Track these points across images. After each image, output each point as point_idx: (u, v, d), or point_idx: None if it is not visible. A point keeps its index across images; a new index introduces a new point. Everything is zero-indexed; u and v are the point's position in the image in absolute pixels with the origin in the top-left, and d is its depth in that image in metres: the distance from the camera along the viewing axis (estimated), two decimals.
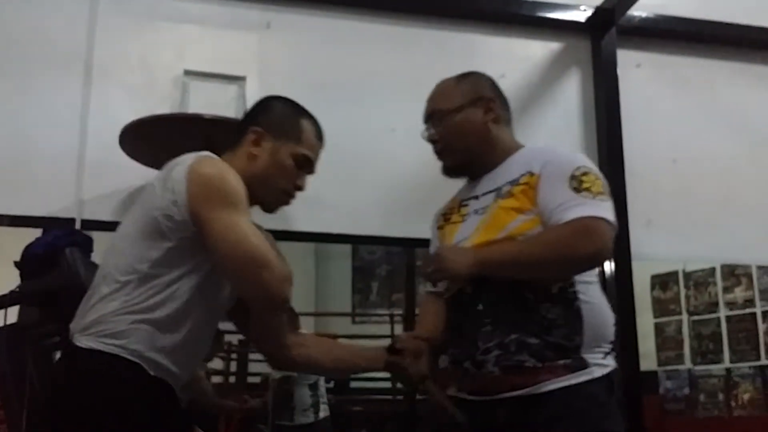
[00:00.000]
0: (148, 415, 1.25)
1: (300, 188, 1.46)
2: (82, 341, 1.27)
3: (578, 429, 1.31)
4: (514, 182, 1.43)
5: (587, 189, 1.35)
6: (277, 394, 3.69)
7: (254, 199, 1.39)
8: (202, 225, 1.26)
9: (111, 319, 1.25)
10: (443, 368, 1.54)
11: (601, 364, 1.36)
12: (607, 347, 1.40)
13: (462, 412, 1.43)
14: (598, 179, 1.39)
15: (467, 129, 1.51)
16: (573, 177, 1.36)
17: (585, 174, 1.38)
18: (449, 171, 1.57)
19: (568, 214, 1.33)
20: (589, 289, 1.40)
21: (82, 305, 1.33)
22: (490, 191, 1.48)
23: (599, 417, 1.33)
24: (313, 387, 3.68)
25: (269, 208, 1.46)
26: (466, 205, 1.53)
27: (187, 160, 1.32)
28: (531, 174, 1.41)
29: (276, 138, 1.41)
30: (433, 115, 1.56)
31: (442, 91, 1.59)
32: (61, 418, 1.25)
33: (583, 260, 1.35)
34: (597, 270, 1.44)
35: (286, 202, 1.47)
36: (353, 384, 4.47)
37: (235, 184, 1.30)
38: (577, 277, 1.38)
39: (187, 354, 1.33)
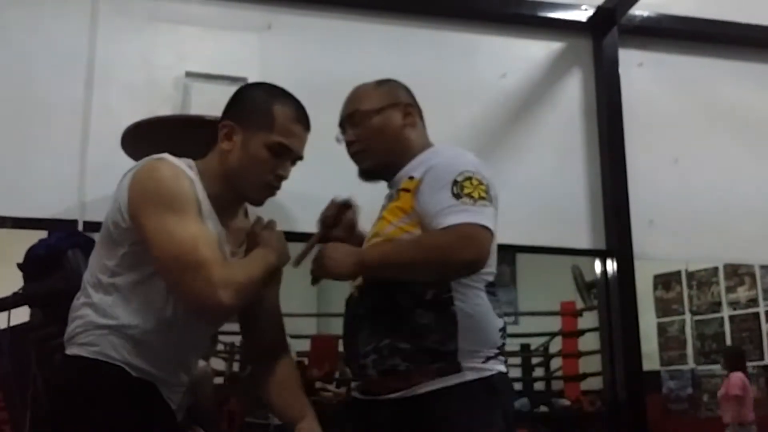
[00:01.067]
0: (131, 414, 1.26)
1: (282, 177, 1.39)
2: (70, 350, 1.31)
3: (454, 429, 1.32)
4: (399, 186, 1.46)
5: (468, 194, 1.34)
6: (248, 391, 3.63)
7: (238, 195, 1.38)
8: (139, 229, 1.25)
9: (86, 330, 1.28)
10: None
11: (477, 367, 1.36)
12: (490, 352, 1.39)
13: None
14: (480, 185, 1.37)
15: (386, 130, 1.52)
16: (455, 182, 1.36)
17: (468, 179, 1.36)
18: (366, 174, 1.57)
19: (447, 220, 1.32)
20: (468, 295, 1.39)
21: (70, 312, 1.35)
22: (389, 191, 1.53)
23: (471, 421, 1.33)
24: None
25: (254, 201, 1.42)
26: (384, 204, 1.55)
27: (136, 166, 1.31)
28: (411, 178, 1.43)
29: (246, 129, 1.34)
30: (352, 116, 1.55)
31: (361, 93, 1.59)
32: (54, 421, 1.30)
33: (459, 266, 1.33)
34: (486, 274, 1.42)
35: (271, 194, 1.41)
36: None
37: (171, 184, 1.25)
38: (454, 283, 1.38)
39: (168, 356, 1.32)
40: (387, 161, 1.52)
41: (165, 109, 2.18)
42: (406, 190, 1.42)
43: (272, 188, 1.40)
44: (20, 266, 2.01)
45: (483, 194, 1.36)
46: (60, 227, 2.08)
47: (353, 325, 1.46)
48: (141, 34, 2.33)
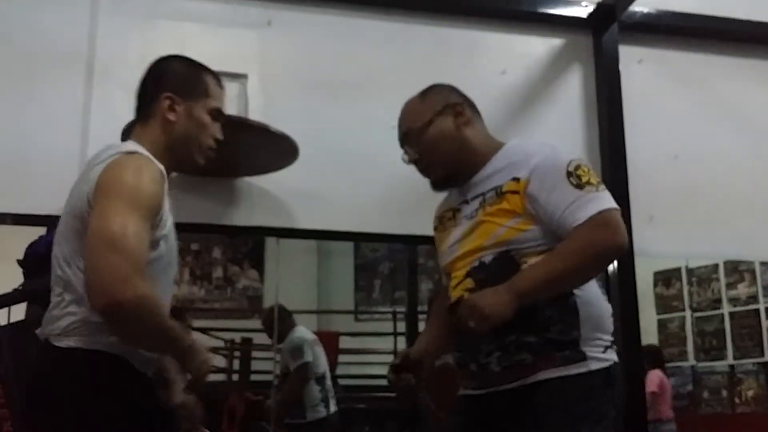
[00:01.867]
0: (138, 401, 1.29)
1: (219, 140, 1.48)
2: (64, 342, 1.29)
3: (569, 416, 1.32)
4: (499, 189, 1.45)
5: (588, 182, 1.36)
6: (284, 391, 3.69)
7: (179, 162, 1.44)
8: (91, 213, 1.27)
9: (84, 325, 1.28)
10: (443, 367, 1.57)
11: (599, 357, 1.38)
12: (607, 341, 1.41)
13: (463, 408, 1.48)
14: (590, 169, 1.41)
15: (443, 139, 1.52)
16: (569, 174, 1.37)
17: (578, 168, 1.39)
18: (438, 185, 1.59)
19: (583, 213, 1.34)
20: (584, 284, 1.41)
21: (50, 308, 1.34)
22: (477, 196, 1.50)
23: (591, 407, 1.34)
24: (321, 381, 3.66)
25: (195, 166, 1.48)
26: (459, 210, 1.55)
27: (107, 156, 1.33)
28: (517, 180, 1.42)
29: (187, 98, 1.43)
30: (407, 136, 1.58)
31: (409, 111, 1.62)
32: (52, 417, 1.27)
33: (612, 253, 1.37)
34: None
35: (211, 156, 1.49)
36: (357, 382, 4.48)
37: (137, 183, 1.28)
38: None
39: None
40: (455, 167, 1.53)
41: None
42: (514, 192, 1.41)
43: (212, 150, 1.49)
44: (20, 263, 2.01)
45: (598, 178, 1.39)
46: None
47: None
48: (141, 31, 2.32)
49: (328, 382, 3.73)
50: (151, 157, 1.36)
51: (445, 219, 1.61)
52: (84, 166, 1.44)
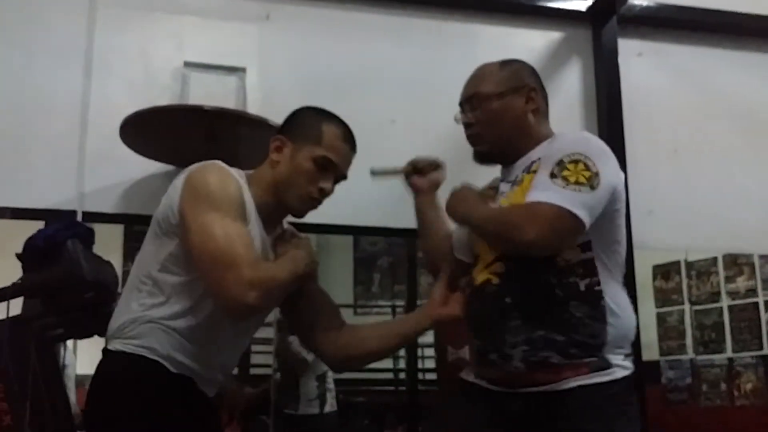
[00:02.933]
0: (170, 409, 1.30)
1: (324, 191, 1.43)
2: (113, 345, 1.35)
3: (594, 426, 1.31)
4: (527, 170, 1.43)
5: (564, 177, 1.31)
6: (282, 381, 3.68)
7: (282, 205, 1.43)
8: (184, 225, 1.30)
9: (131, 325, 1.33)
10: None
11: (622, 365, 1.36)
12: (628, 349, 1.40)
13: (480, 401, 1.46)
14: (586, 170, 1.32)
15: (506, 116, 1.47)
16: (560, 162, 1.33)
17: (574, 162, 1.33)
18: (481, 157, 1.53)
19: (530, 196, 1.32)
20: (615, 290, 1.38)
21: (116, 309, 1.40)
22: (513, 179, 1.48)
23: (616, 417, 1.33)
24: (321, 378, 3.65)
25: (297, 212, 1.46)
26: (497, 188, 1.52)
27: (192, 167, 1.36)
28: (537, 161, 1.41)
29: (295, 142, 1.42)
30: (472, 98, 1.50)
31: (483, 74, 1.53)
32: (95, 417, 1.33)
33: (520, 244, 1.31)
34: (619, 271, 1.42)
35: (313, 206, 1.45)
36: (356, 375, 4.49)
37: (218, 186, 1.31)
38: (603, 276, 1.36)
39: (209, 353, 1.37)
40: (504, 147, 1.48)
41: (164, 99, 2.18)
42: (533, 173, 1.39)
43: (314, 200, 1.44)
44: (19, 256, 2.01)
45: (583, 179, 1.30)
46: (59, 217, 2.08)
47: (497, 313, 1.38)
48: (139, 25, 2.33)
49: (330, 382, 3.71)
50: (232, 170, 1.38)
51: (486, 197, 1.54)
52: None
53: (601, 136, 2.53)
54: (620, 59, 2.60)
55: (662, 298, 4.78)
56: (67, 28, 2.27)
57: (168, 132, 2.08)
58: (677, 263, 4.64)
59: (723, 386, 4.40)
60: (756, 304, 4.29)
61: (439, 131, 2.49)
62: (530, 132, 1.48)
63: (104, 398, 1.33)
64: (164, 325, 1.32)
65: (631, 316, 1.41)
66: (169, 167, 2.25)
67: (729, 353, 4.42)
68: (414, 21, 2.53)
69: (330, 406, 3.67)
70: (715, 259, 4.44)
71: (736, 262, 4.36)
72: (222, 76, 2.30)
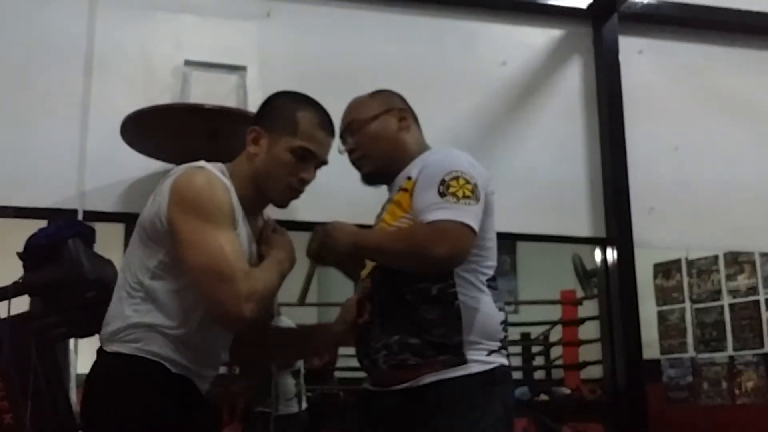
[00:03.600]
0: (172, 409, 1.31)
1: (305, 181, 1.44)
2: (110, 347, 1.35)
3: (450, 419, 1.39)
4: (399, 188, 1.53)
5: (453, 193, 1.40)
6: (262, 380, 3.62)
7: (263, 196, 1.43)
8: (173, 235, 1.29)
9: (129, 329, 1.32)
10: None
11: (482, 360, 1.42)
12: (493, 345, 1.45)
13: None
14: (467, 184, 1.42)
15: (382, 136, 1.59)
16: (442, 182, 1.42)
17: (455, 179, 1.42)
18: (368, 178, 1.64)
19: (429, 216, 1.39)
20: (471, 289, 1.45)
21: (108, 311, 1.39)
22: (389, 195, 1.60)
23: (469, 410, 1.39)
24: (296, 375, 3.59)
25: (278, 203, 1.47)
26: (383, 207, 1.62)
27: (177, 171, 1.34)
28: (409, 179, 1.49)
29: (272, 133, 1.40)
30: (350, 125, 1.62)
31: (357, 104, 1.67)
32: (96, 418, 1.33)
33: (432, 260, 1.38)
34: (486, 269, 1.49)
35: (294, 196, 1.46)
36: (355, 375, 4.48)
37: (209, 195, 1.30)
38: (457, 278, 1.44)
39: (204, 352, 1.39)
40: (386, 165, 1.59)
41: (164, 98, 2.18)
42: (405, 190, 1.49)
43: (295, 191, 1.45)
44: (20, 255, 2.01)
45: (468, 193, 1.41)
46: (60, 216, 2.08)
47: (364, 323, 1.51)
48: (140, 23, 2.32)
49: (302, 378, 3.66)
50: (218, 173, 1.36)
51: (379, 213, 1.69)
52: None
53: (601, 134, 2.58)
54: (621, 56, 2.60)
55: (663, 296, 4.78)
56: (68, 27, 2.26)
57: (169, 131, 2.08)
58: (678, 261, 4.64)
59: (724, 384, 4.40)
60: (757, 302, 4.29)
61: (438, 129, 2.48)
62: (405, 149, 1.59)
63: (106, 399, 1.32)
64: (162, 331, 1.32)
65: (492, 314, 1.46)
66: (170, 166, 2.24)
67: (730, 351, 4.42)
68: (414, 18, 2.53)
69: (305, 402, 3.62)
70: (716, 257, 4.44)
71: (737, 260, 4.36)
72: (223, 74, 2.30)
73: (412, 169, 1.51)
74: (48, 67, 2.22)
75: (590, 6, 2.61)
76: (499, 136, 2.50)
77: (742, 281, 4.37)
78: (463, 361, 1.41)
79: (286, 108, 1.44)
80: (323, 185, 2.31)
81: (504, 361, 1.46)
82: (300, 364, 3.60)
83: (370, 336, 1.48)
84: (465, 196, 1.40)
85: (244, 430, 3.52)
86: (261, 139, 1.40)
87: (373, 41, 2.48)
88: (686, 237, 2.69)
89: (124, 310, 1.33)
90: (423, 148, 1.61)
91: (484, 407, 1.40)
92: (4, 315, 2.05)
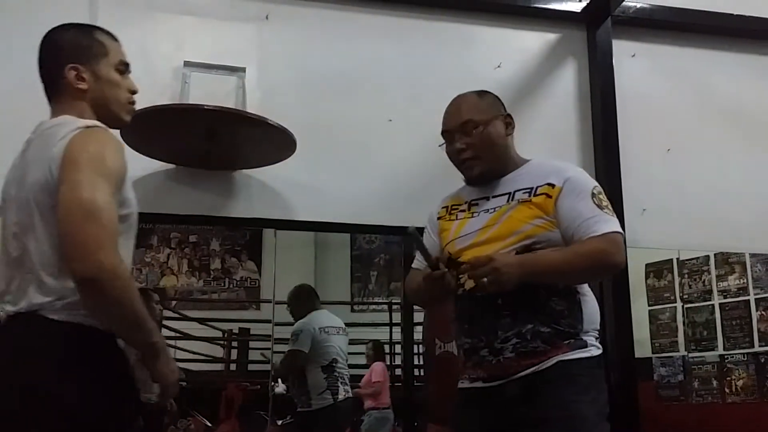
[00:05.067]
0: (130, 384, 1.31)
1: (135, 91, 1.50)
2: (53, 315, 1.26)
3: (576, 392, 1.51)
4: (533, 191, 1.61)
5: (606, 207, 1.58)
6: (284, 375, 3.67)
7: (108, 123, 1.43)
8: (60, 181, 1.25)
9: (67, 301, 1.27)
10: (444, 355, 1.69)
11: (595, 345, 1.61)
12: (597, 333, 1.64)
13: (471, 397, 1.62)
14: (598, 188, 1.62)
15: (495, 140, 1.67)
16: (594, 195, 1.58)
17: (601, 194, 1.61)
18: (475, 179, 1.69)
19: (599, 228, 1.54)
20: (583, 285, 1.63)
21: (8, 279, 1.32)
22: (502, 194, 1.64)
23: (590, 385, 1.54)
24: (327, 369, 3.66)
25: (124, 123, 1.50)
26: (476, 204, 1.68)
27: (67, 131, 1.31)
28: (551, 186, 1.59)
29: (90, 63, 1.44)
30: (466, 125, 1.67)
31: (470, 104, 1.71)
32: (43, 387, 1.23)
33: (613, 268, 1.59)
34: None
35: (133, 110, 1.51)
36: (353, 372, 4.52)
37: (112, 156, 1.30)
38: None
39: None
40: (494, 168, 1.67)
41: (164, 99, 2.20)
42: (548, 195, 1.58)
43: (133, 104, 1.51)
44: None
45: (610, 206, 1.62)
46: None
47: (489, 313, 1.57)
48: (140, 24, 2.34)
49: (340, 369, 3.71)
50: (107, 128, 1.38)
51: (455, 210, 1.72)
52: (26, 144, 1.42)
53: (595, 136, 2.62)
54: (614, 60, 2.63)
55: (655, 296, 4.81)
56: None
57: (168, 131, 2.10)
58: (670, 262, 4.67)
59: (714, 383, 4.44)
60: (747, 302, 4.32)
61: (434, 130, 2.51)
62: (509, 155, 1.70)
63: (59, 369, 1.23)
64: None
65: (596, 305, 1.65)
66: (170, 166, 2.27)
67: (720, 350, 4.46)
68: (411, 21, 2.56)
69: (343, 393, 3.67)
70: (707, 257, 4.47)
71: (727, 261, 4.40)
72: (222, 75, 2.33)
73: (540, 178, 1.60)
74: None
75: (584, 10, 2.64)
76: None
77: (733, 281, 4.40)
78: (585, 345, 1.57)
79: (84, 35, 1.47)
80: (321, 186, 2.37)
81: (601, 347, 1.63)
82: (331, 358, 3.66)
83: (496, 326, 1.55)
84: (610, 208, 1.60)
85: (241, 427, 3.55)
86: (83, 74, 1.42)
87: (370, 43, 2.50)
88: (678, 238, 2.72)
89: (57, 281, 1.26)
90: (520, 156, 1.72)
91: (600, 386, 1.58)
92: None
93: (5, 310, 1.32)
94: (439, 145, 1.72)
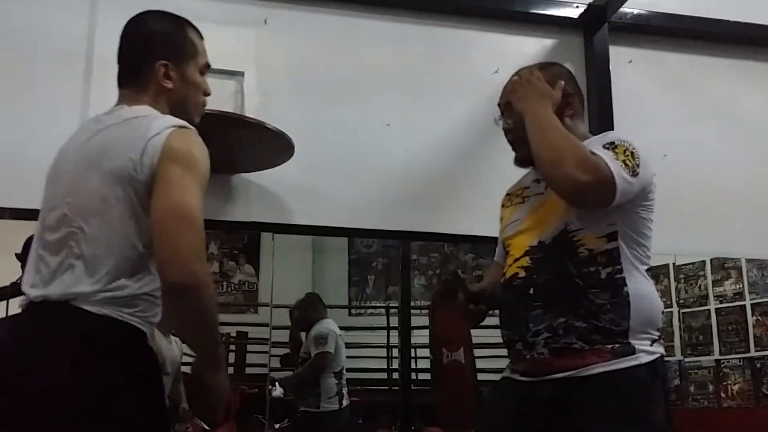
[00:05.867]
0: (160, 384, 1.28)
1: (209, 93, 1.50)
2: (90, 307, 1.21)
3: (619, 411, 1.33)
4: None
5: (615, 152, 1.40)
6: (305, 379, 3.76)
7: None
8: (159, 175, 1.23)
9: (135, 300, 1.24)
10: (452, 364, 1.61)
11: (647, 350, 1.40)
12: (655, 334, 1.43)
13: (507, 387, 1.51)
14: (632, 157, 1.42)
15: None
16: (611, 143, 1.42)
17: (623, 147, 1.42)
18: (521, 161, 1.59)
19: (596, 149, 1.39)
20: (638, 276, 1.43)
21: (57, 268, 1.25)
22: (531, 179, 1.56)
23: (642, 401, 1.35)
24: (338, 375, 3.75)
25: (192, 123, 1.45)
26: (528, 188, 1.58)
27: (161, 130, 1.28)
28: None
29: (180, 62, 1.42)
30: (510, 105, 1.56)
31: (518, 81, 1.58)
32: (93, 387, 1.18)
33: (564, 179, 1.37)
34: (645, 260, 1.49)
35: (203, 112, 1.51)
36: (350, 376, 4.52)
37: (206, 161, 1.30)
38: (625, 264, 1.42)
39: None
40: None
41: None
42: None
43: (205, 106, 1.51)
44: (19, 257, 2.04)
45: (629, 162, 1.39)
46: None
47: (522, 303, 1.45)
48: None
49: (345, 377, 3.82)
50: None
51: (513, 196, 1.63)
52: (92, 129, 1.35)
53: None
54: (611, 66, 2.64)
55: None
56: (67, 32, 2.28)
57: None
58: (666, 267, 4.69)
59: (710, 388, 4.45)
60: (743, 307, 4.34)
61: (433, 134, 2.53)
62: None
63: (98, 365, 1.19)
64: (148, 296, 1.25)
65: (656, 302, 1.45)
66: None
67: (716, 355, 4.47)
68: (410, 26, 2.57)
69: (346, 399, 3.77)
70: (703, 262, 4.49)
71: (723, 266, 4.42)
72: (220, 79, 2.32)
73: None
74: (48, 70, 2.24)
75: (581, 16, 2.66)
76: (492, 143, 2.53)
77: (729, 286, 4.42)
78: (632, 351, 1.36)
79: (177, 33, 1.46)
80: (319, 190, 2.37)
81: (663, 350, 1.43)
82: (343, 365, 3.74)
83: (528, 318, 1.41)
84: (624, 163, 1.38)
85: (238, 430, 3.56)
86: (171, 72, 1.40)
87: (368, 48, 2.51)
88: (674, 243, 2.72)
89: (98, 274, 1.22)
90: (585, 135, 1.55)
91: (655, 400, 1.36)
92: (2, 315, 2.08)
93: (30, 295, 1.26)
94: (495, 121, 1.62)
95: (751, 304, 4.31)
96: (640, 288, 1.42)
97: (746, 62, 2.84)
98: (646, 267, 1.47)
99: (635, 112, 2.66)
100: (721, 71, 2.81)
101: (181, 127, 1.32)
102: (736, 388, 4.34)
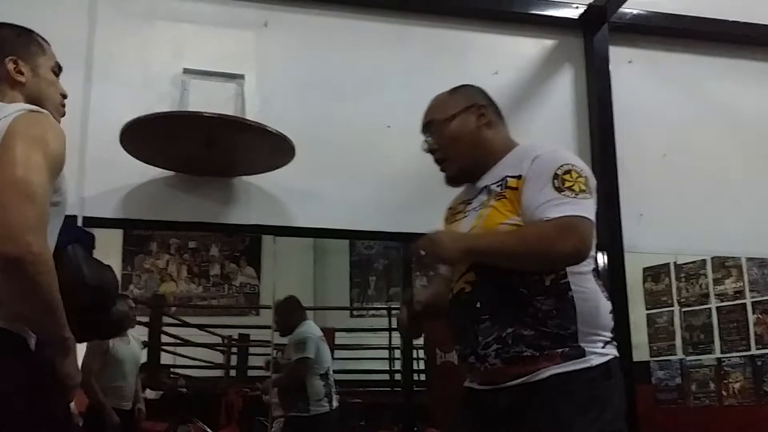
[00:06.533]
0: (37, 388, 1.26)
1: (65, 95, 1.52)
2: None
3: (570, 411, 1.35)
4: (504, 184, 1.49)
5: (569, 188, 1.40)
6: (288, 385, 3.74)
7: None
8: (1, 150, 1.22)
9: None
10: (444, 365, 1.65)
11: (599, 352, 1.41)
12: (606, 336, 1.45)
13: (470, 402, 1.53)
14: (580, 177, 1.43)
15: (461, 135, 1.58)
16: (556, 176, 1.41)
17: (568, 173, 1.42)
18: (452, 180, 1.63)
19: (550, 212, 1.38)
20: (582, 280, 1.44)
21: None
22: (483, 189, 1.55)
23: (592, 400, 1.37)
24: (324, 377, 3.72)
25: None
26: (469, 202, 1.59)
27: (9, 114, 1.28)
28: (520, 177, 1.47)
29: (29, 58, 1.45)
30: (429, 126, 1.63)
31: (436, 103, 1.66)
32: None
33: (562, 257, 1.39)
34: (591, 261, 1.48)
35: (63, 113, 1.51)
36: (352, 377, 4.53)
37: (57, 142, 1.29)
38: (569, 269, 1.43)
39: None
40: (469, 164, 1.58)
41: (163, 106, 2.21)
42: (514, 189, 1.46)
43: (64, 107, 1.52)
44: None
45: (583, 187, 1.41)
46: None
47: (470, 317, 1.47)
48: (139, 31, 2.35)
49: (332, 378, 3.79)
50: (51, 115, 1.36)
51: (456, 211, 1.65)
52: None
53: (592, 142, 2.63)
54: (611, 66, 2.64)
55: (652, 300, 4.84)
56: (67, 35, 2.27)
57: (167, 138, 2.11)
58: (667, 266, 4.70)
59: (712, 386, 4.46)
60: (744, 305, 4.36)
61: None
62: (490, 145, 1.58)
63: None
64: None
65: (603, 304, 1.46)
66: (169, 172, 2.28)
67: (717, 354, 4.49)
68: (410, 28, 2.57)
69: (336, 401, 3.75)
70: (703, 261, 4.51)
71: (724, 265, 4.44)
72: (221, 82, 2.34)
73: (515, 166, 1.47)
74: None
75: (581, 16, 2.66)
76: None
77: (729, 285, 4.44)
78: (582, 354, 1.38)
79: (22, 34, 1.50)
80: (320, 192, 2.38)
81: (616, 352, 1.44)
82: (328, 366, 3.73)
83: (476, 331, 1.44)
84: (581, 191, 1.40)
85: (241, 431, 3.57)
86: (21, 67, 1.43)
87: (368, 51, 2.52)
88: (675, 242, 2.73)
89: None
90: (510, 144, 1.58)
91: (605, 400, 1.37)
92: None
93: None
94: (423, 149, 1.65)
95: (752, 303, 4.33)
96: (585, 291, 1.43)
97: (746, 62, 2.84)
98: (591, 267, 1.47)
99: (635, 112, 2.66)
100: (721, 71, 2.81)
101: (32, 111, 1.33)
102: (737, 386, 4.35)
